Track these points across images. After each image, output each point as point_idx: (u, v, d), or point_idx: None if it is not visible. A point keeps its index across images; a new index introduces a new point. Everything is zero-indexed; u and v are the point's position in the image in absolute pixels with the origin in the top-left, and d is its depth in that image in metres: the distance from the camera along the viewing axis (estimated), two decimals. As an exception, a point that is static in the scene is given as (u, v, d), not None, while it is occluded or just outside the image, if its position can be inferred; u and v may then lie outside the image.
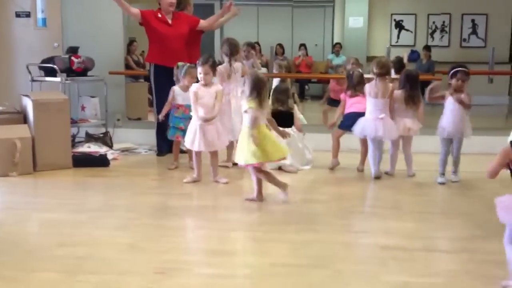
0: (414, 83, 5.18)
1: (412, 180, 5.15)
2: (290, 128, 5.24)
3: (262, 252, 3.25)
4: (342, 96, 5.57)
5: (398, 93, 5.18)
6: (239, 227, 3.72)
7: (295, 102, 5.73)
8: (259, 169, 4.27)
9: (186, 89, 5.18)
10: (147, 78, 6.39)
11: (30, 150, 5.13)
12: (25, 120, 5.40)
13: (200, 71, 4.81)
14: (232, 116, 5.33)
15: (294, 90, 7.33)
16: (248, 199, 4.34)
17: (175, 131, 5.32)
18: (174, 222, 3.84)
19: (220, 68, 5.35)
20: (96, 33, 6.67)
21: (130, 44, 8.77)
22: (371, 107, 5.12)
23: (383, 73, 5.10)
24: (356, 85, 5.40)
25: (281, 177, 4.54)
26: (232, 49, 5.40)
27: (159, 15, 5.72)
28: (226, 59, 5.40)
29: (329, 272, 2.94)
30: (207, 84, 4.82)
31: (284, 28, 13.04)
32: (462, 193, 4.82)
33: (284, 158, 4.45)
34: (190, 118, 5.04)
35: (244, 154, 4.15)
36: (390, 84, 5.19)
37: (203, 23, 5.97)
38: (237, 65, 5.46)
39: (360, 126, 5.12)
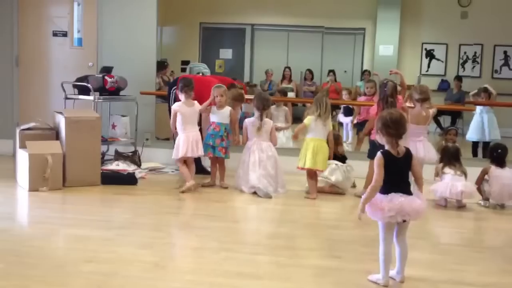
0: None
1: (440, 211, 5.08)
2: (346, 164, 5.65)
3: (285, 277, 3.24)
4: (372, 110, 5.48)
5: None
6: (263, 251, 3.71)
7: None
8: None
9: (220, 107, 5.55)
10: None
11: (61, 166, 5.23)
12: (57, 136, 5.51)
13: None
14: (250, 167, 5.38)
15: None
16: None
17: (207, 147, 5.52)
18: (199, 242, 3.87)
19: (249, 120, 5.54)
20: (129, 54, 6.82)
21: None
22: (410, 132, 5.10)
23: (425, 98, 5.22)
24: (389, 97, 5.22)
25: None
26: (264, 104, 5.51)
27: None
28: (257, 113, 5.49)
29: (353, 300, 2.92)
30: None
31: (314, 54, 13.09)
32: (491, 226, 4.75)
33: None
34: (221, 135, 5.49)
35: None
36: (431, 110, 5.28)
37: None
38: (266, 120, 5.55)
39: None
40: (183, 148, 5.36)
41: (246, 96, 6.51)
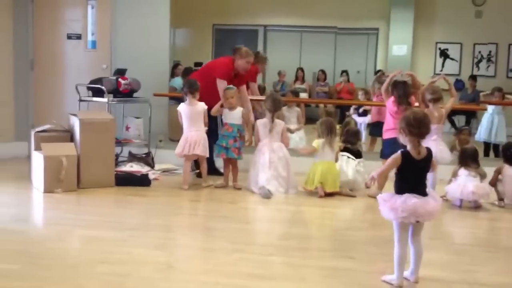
0: None
1: (455, 211, 5.05)
2: (359, 159, 5.65)
3: (297, 278, 3.24)
4: (388, 103, 5.34)
5: None
6: (277, 252, 3.71)
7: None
8: None
9: (232, 108, 5.54)
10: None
11: (75, 167, 5.27)
12: (72, 138, 5.56)
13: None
14: (260, 168, 5.39)
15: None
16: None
17: (220, 149, 5.54)
18: (212, 243, 3.88)
19: (261, 122, 5.54)
20: (143, 56, 6.86)
21: (175, 67, 8.96)
22: None
23: (438, 98, 5.21)
24: (406, 96, 5.22)
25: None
26: (276, 105, 5.52)
27: (231, 73, 5.89)
28: (269, 114, 5.50)
29: (365, 301, 2.91)
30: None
31: (327, 55, 13.09)
32: (505, 226, 4.70)
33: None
34: (234, 136, 5.47)
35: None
36: (443, 110, 5.27)
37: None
38: (278, 122, 5.55)
39: None
40: (180, 146, 5.50)
41: (257, 97, 6.52)
